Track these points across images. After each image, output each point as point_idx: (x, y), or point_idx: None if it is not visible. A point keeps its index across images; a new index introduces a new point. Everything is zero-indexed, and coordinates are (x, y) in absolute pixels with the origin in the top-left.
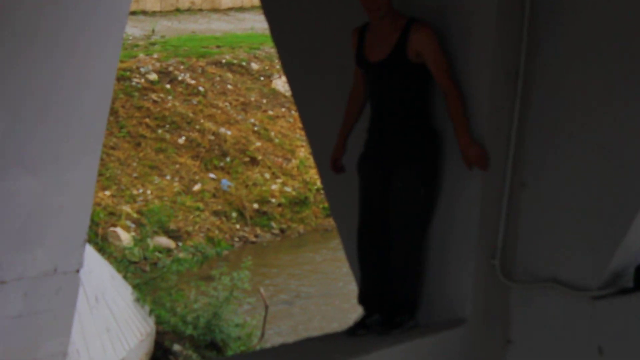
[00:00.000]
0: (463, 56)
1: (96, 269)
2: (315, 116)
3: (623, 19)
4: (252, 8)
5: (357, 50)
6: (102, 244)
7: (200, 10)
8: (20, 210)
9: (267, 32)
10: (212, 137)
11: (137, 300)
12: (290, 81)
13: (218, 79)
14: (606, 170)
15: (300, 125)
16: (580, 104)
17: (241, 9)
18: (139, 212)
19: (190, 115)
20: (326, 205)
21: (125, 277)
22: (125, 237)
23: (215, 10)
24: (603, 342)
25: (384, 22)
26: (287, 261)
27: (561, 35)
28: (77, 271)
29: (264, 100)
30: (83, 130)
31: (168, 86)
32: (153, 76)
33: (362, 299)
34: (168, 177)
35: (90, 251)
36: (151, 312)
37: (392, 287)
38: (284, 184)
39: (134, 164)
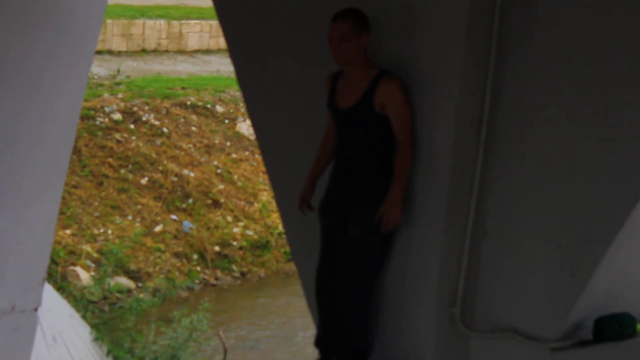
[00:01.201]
0: (428, 105)
1: (54, 308)
2: (278, 160)
3: (584, 71)
4: (218, 51)
5: (329, 95)
6: (62, 282)
7: (167, 51)
8: None
9: (233, 75)
10: (175, 179)
11: (96, 340)
12: (255, 124)
13: (182, 120)
14: (567, 221)
15: (263, 169)
16: (542, 155)
17: (207, 52)
18: (100, 251)
19: (154, 155)
20: (287, 249)
21: (84, 317)
22: (84, 276)
23: (181, 52)
24: None
25: (355, 70)
26: (247, 305)
27: (525, 86)
28: (35, 310)
29: (228, 143)
30: (45, 168)
31: (132, 126)
32: (117, 116)
33: (318, 342)
34: (130, 217)
35: (49, 290)
36: (109, 352)
37: (344, 333)
38: (245, 227)
39: (96, 203)
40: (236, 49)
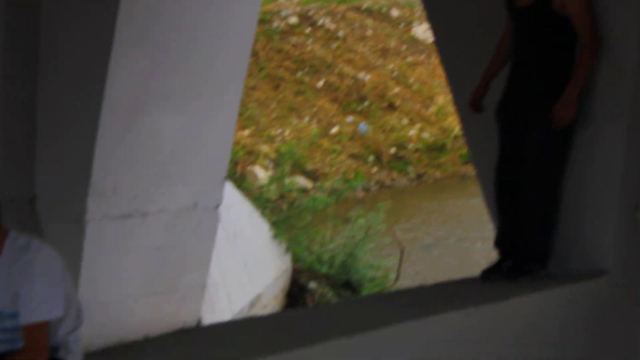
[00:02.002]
0: (609, 9)
1: (235, 205)
2: (457, 63)
3: None
4: None
5: None
6: (240, 181)
7: None
8: (163, 146)
9: None
10: (351, 82)
11: (274, 237)
12: (434, 27)
13: (357, 24)
14: None
15: (439, 72)
16: None
17: None
18: (277, 151)
19: (329, 59)
20: (464, 152)
21: (262, 215)
22: (262, 175)
23: None
24: None
25: None
26: (423, 206)
27: None
28: (217, 207)
29: (403, 47)
30: (225, 70)
31: (308, 30)
32: (293, 20)
33: (498, 243)
34: (306, 119)
35: (229, 188)
36: (287, 249)
37: (523, 235)
38: (421, 129)
39: (273, 105)
40: None
